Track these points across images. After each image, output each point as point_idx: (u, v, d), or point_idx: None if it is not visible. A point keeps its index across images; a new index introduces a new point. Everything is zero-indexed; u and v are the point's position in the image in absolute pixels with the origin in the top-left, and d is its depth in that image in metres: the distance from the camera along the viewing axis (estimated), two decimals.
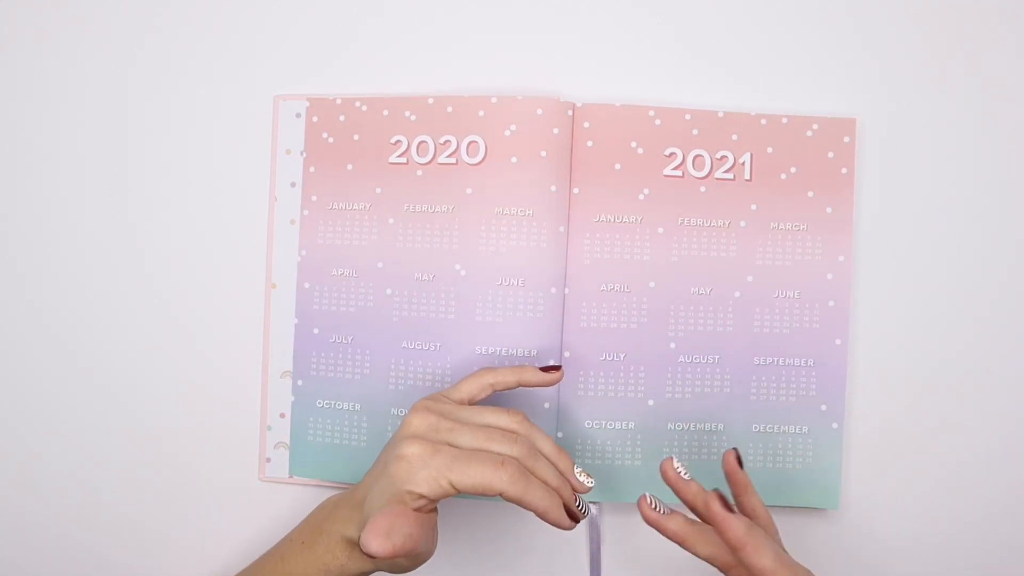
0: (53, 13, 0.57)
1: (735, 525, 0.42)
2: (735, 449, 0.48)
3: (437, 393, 0.48)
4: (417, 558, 0.46)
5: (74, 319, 0.57)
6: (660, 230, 0.54)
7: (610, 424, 0.54)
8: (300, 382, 0.56)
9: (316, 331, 0.55)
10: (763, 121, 0.55)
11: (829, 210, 0.55)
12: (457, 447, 0.44)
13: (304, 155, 0.56)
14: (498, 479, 0.43)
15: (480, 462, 0.43)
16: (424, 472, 0.43)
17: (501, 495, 0.43)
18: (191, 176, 0.57)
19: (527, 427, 0.47)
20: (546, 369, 0.50)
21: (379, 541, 0.42)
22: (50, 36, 0.57)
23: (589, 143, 0.54)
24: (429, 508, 0.45)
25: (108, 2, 0.57)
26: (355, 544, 0.46)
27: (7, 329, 0.57)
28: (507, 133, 0.53)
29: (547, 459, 0.46)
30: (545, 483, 0.45)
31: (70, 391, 0.57)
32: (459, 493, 0.44)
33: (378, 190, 0.55)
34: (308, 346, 0.56)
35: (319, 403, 0.55)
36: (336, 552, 0.46)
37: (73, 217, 0.57)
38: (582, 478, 0.46)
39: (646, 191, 0.54)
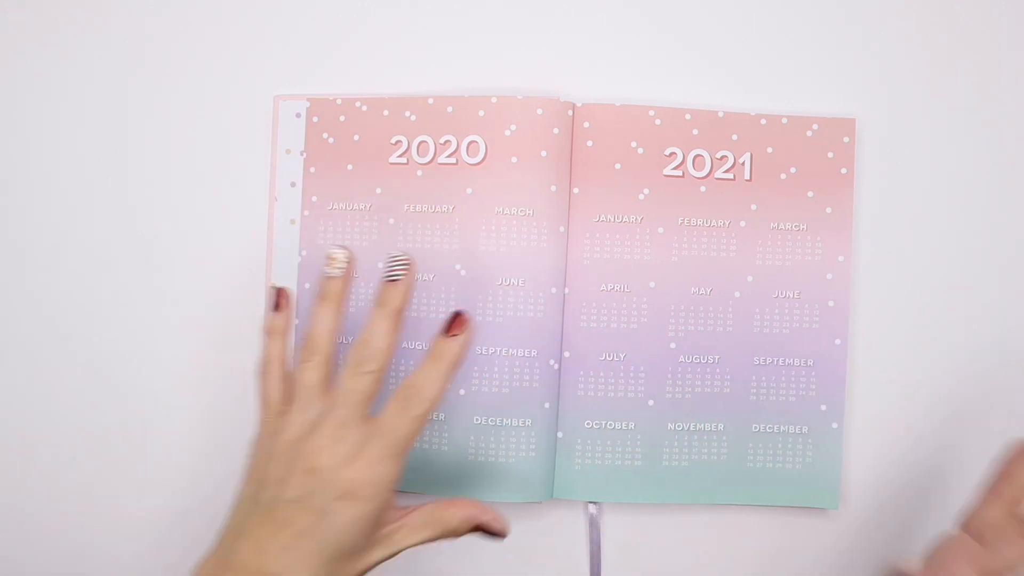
0: (53, 13, 0.57)
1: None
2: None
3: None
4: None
5: (74, 319, 0.57)
6: (660, 230, 0.54)
7: (610, 424, 0.54)
8: None
9: None
10: (763, 121, 0.55)
11: (829, 210, 0.55)
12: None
13: (304, 155, 0.56)
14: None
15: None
16: None
17: None
18: (191, 176, 0.57)
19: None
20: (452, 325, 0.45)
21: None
22: (51, 36, 0.57)
23: (589, 143, 0.54)
24: None
25: (108, 3, 0.57)
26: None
27: (6, 327, 0.57)
28: (507, 133, 0.53)
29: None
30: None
31: (69, 390, 0.57)
32: None
33: (378, 190, 0.55)
34: None
35: None
36: None
37: (72, 218, 0.57)
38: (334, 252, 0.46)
39: (646, 191, 0.54)
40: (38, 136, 0.57)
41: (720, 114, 0.55)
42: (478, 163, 0.54)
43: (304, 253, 0.56)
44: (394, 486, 0.42)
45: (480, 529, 0.45)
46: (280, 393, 0.46)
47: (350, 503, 0.41)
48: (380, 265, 0.47)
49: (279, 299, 0.47)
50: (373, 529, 0.42)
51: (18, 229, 0.57)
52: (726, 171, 0.55)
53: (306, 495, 0.41)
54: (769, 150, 0.55)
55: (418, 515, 0.44)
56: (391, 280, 0.45)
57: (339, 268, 0.46)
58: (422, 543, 0.44)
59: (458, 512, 0.44)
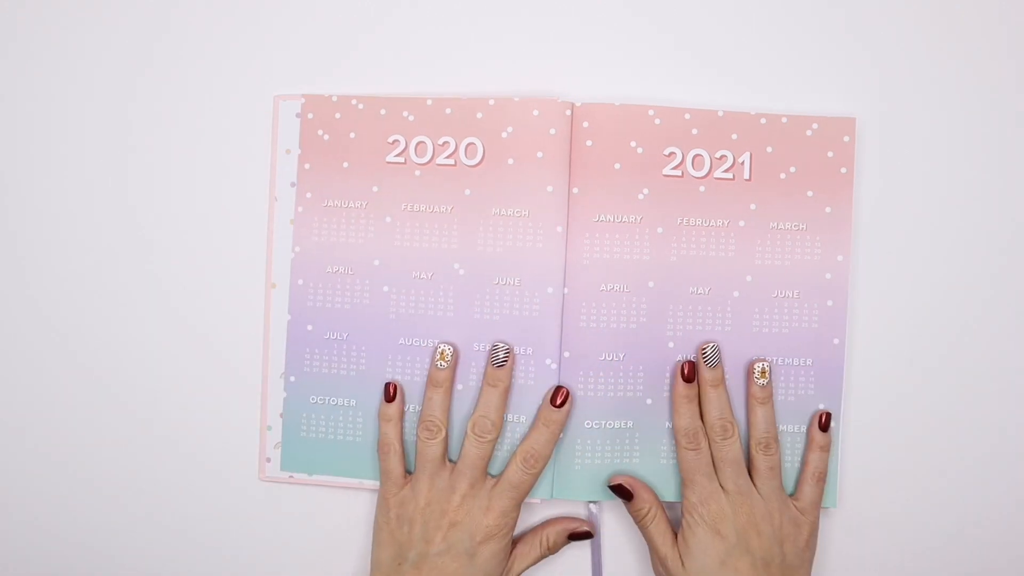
0: (54, 14, 0.57)
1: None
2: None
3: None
4: None
5: (76, 320, 0.57)
6: (659, 230, 0.54)
7: (609, 424, 0.54)
8: (292, 378, 0.56)
9: (310, 327, 0.55)
10: (763, 120, 0.54)
11: (828, 210, 0.55)
12: None
13: (300, 152, 0.56)
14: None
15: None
16: None
17: None
18: (191, 176, 0.57)
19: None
20: (554, 399, 0.53)
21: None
22: (51, 37, 0.57)
23: (588, 143, 0.54)
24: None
25: (110, 7, 0.56)
26: None
27: (7, 326, 0.57)
28: (504, 135, 0.53)
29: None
30: None
31: (70, 390, 0.57)
32: None
33: (375, 188, 0.55)
34: (301, 343, 0.55)
35: (312, 399, 0.55)
36: None
37: (73, 218, 0.57)
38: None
39: (645, 191, 0.54)
40: (38, 137, 0.57)
41: (720, 113, 0.54)
42: (476, 164, 0.54)
43: (297, 249, 0.56)
44: (515, 526, 0.52)
45: (573, 536, 0.54)
46: (401, 468, 0.53)
47: (490, 544, 0.51)
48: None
49: (391, 392, 0.54)
50: (505, 561, 0.52)
51: (18, 229, 0.57)
52: (725, 171, 0.55)
53: (452, 545, 0.50)
54: (769, 149, 0.55)
55: (522, 544, 0.53)
56: (498, 366, 0.52)
57: (447, 362, 0.53)
58: (532, 564, 0.53)
59: (553, 529, 0.54)
